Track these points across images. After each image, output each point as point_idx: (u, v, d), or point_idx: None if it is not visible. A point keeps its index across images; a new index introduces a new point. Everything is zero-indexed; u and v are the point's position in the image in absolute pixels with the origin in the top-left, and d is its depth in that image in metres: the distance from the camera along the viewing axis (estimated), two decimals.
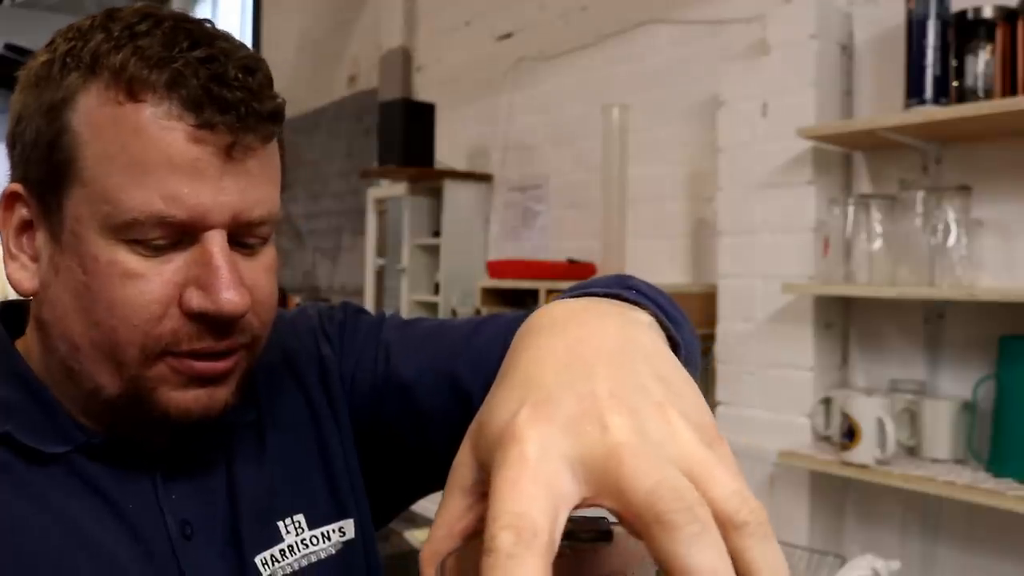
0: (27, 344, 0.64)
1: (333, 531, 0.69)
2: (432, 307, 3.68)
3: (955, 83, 1.77)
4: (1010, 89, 1.70)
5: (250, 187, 0.58)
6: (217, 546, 0.63)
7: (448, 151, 3.75)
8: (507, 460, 0.30)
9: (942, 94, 1.78)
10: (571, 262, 3.03)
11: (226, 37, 0.59)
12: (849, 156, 2.11)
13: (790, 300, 2.06)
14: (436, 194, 3.71)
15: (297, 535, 0.67)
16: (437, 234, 3.69)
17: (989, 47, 1.72)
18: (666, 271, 2.70)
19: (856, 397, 1.83)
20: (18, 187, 0.60)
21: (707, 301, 2.30)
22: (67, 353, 0.60)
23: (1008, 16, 1.71)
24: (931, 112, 1.76)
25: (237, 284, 0.58)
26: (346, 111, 4.79)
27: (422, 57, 4.15)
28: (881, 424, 1.76)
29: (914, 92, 1.80)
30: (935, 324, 1.94)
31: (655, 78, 2.78)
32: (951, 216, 1.76)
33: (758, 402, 2.13)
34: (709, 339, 2.27)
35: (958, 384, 1.88)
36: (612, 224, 2.62)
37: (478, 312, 3.36)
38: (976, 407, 1.78)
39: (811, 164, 2.05)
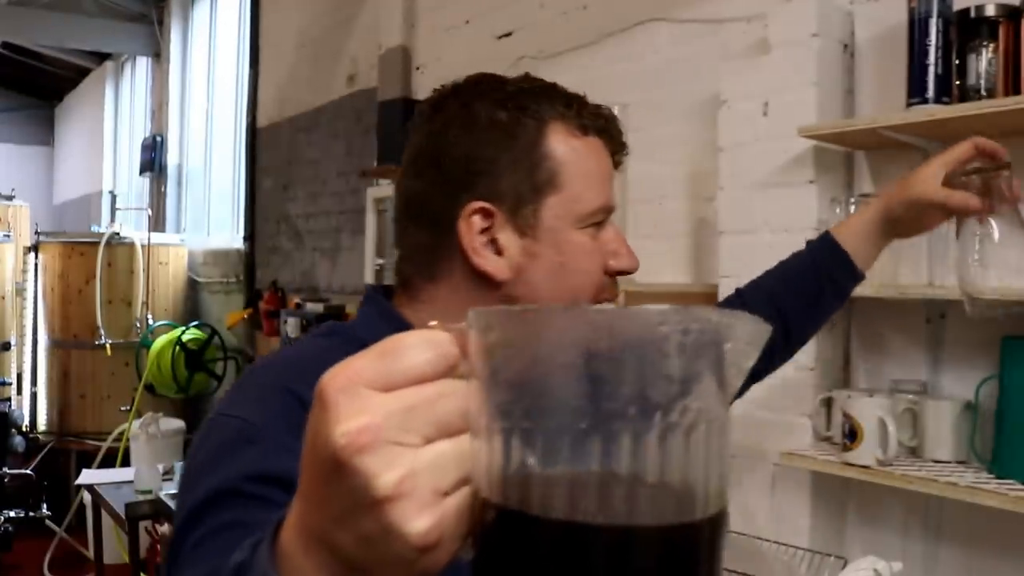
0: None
1: None
2: None
3: (957, 82, 1.76)
4: (1012, 88, 1.69)
5: None
6: None
7: None
8: None
9: (944, 93, 1.77)
10: None
11: None
12: (851, 155, 2.10)
13: None
14: None
15: None
16: None
17: (992, 46, 1.71)
18: (666, 271, 2.69)
19: (858, 397, 1.83)
20: (485, 204, 0.83)
21: (707, 301, 2.29)
22: None
23: (1011, 14, 1.70)
24: (933, 111, 1.75)
25: None
26: (345, 110, 4.77)
27: (422, 56, 4.14)
28: (883, 425, 1.75)
29: (916, 91, 1.79)
30: (937, 324, 1.93)
31: (655, 77, 2.77)
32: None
33: (759, 402, 2.12)
34: None
35: (960, 384, 1.88)
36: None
37: None
38: (978, 408, 1.77)
39: (812, 163, 2.04)
